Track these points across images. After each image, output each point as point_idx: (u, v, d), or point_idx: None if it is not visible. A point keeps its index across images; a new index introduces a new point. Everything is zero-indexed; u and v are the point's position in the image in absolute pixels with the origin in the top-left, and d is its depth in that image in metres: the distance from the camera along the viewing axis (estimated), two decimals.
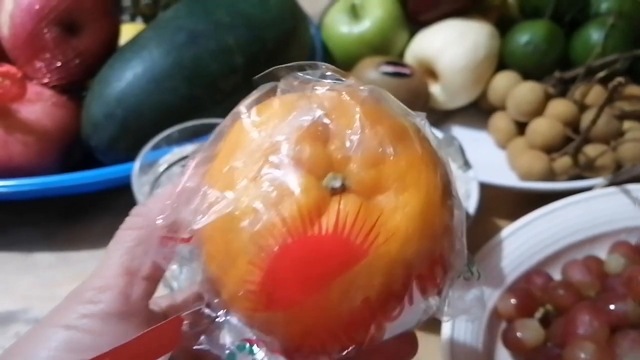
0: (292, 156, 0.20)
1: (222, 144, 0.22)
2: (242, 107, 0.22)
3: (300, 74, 0.22)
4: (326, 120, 0.20)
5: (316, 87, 0.22)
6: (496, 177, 0.51)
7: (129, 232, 0.23)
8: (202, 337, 0.21)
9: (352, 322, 0.19)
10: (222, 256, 0.20)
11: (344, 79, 0.22)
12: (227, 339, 0.21)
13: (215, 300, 0.21)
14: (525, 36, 0.56)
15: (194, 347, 0.21)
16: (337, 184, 0.20)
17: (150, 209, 0.23)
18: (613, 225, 0.47)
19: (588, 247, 0.46)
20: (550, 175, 0.51)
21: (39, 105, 0.49)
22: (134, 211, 0.24)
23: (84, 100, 0.51)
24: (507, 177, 0.53)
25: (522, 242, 0.46)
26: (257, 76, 0.23)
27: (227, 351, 0.21)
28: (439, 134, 0.47)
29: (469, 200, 0.43)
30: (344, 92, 0.21)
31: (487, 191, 0.46)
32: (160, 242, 0.21)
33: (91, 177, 0.48)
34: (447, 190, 0.21)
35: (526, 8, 0.59)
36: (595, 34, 0.55)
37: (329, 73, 0.22)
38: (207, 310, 0.21)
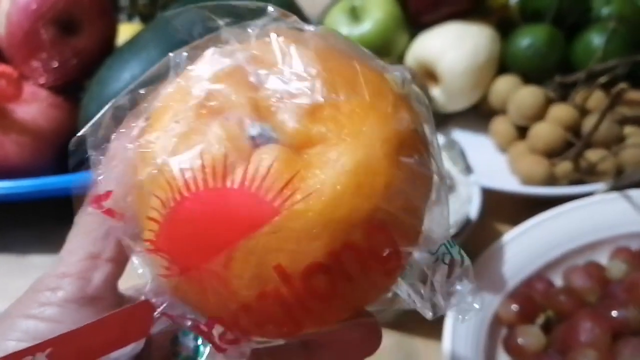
0: (206, 101, 0.17)
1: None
2: (172, 56, 0.20)
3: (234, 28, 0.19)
4: (253, 64, 0.18)
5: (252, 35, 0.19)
6: (497, 181, 0.50)
7: (89, 216, 0.22)
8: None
9: (266, 296, 0.16)
10: (136, 213, 0.18)
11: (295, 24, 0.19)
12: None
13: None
14: (526, 40, 0.56)
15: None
16: (255, 131, 0.16)
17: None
18: (614, 230, 0.47)
19: (589, 252, 0.46)
20: (551, 180, 0.51)
21: (34, 106, 0.49)
22: (91, 194, 0.23)
23: (81, 100, 0.51)
24: (508, 181, 0.53)
25: (523, 247, 0.46)
26: (168, 12, 0.20)
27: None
28: (439, 136, 0.47)
29: (471, 205, 0.42)
30: (278, 33, 0.18)
31: (488, 195, 0.46)
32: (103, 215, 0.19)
33: (88, 179, 0.47)
34: (405, 146, 0.17)
35: (527, 11, 0.59)
36: (596, 39, 0.55)
37: (277, 16, 0.19)
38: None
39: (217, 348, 0.17)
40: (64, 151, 0.54)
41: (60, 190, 0.48)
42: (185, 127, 0.17)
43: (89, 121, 0.56)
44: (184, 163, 0.16)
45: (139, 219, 0.18)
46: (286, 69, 0.17)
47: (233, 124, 0.17)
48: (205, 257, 0.16)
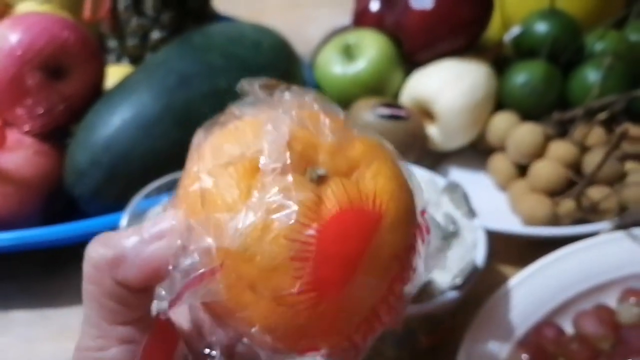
0: (276, 162, 0.20)
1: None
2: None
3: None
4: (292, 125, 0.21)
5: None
6: (499, 222, 0.49)
7: None
8: None
9: (388, 280, 0.20)
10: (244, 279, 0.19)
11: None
12: None
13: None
14: (522, 77, 0.56)
15: None
16: (322, 172, 0.20)
17: None
18: (621, 271, 0.45)
19: (597, 294, 0.45)
20: (554, 220, 0.49)
21: (19, 154, 0.47)
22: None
23: (68, 147, 0.49)
24: (509, 222, 0.51)
25: (530, 292, 0.44)
26: None
27: None
28: (440, 179, 0.46)
29: (476, 250, 0.41)
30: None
31: (490, 236, 0.44)
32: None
33: (76, 230, 0.45)
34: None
35: (522, 48, 0.59)
36: (592, 75, 0.55)
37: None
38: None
39: None
40: (50, 200, 0.52)
41: (45, 242, 0.46)
42: (269, 185, 0.19)
43: (75, 169, 0.54)
44: (298, 207, 0.19)
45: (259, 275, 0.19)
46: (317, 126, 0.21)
47: (298, 174, 0.20)
48: (352, 270, 0.19)
